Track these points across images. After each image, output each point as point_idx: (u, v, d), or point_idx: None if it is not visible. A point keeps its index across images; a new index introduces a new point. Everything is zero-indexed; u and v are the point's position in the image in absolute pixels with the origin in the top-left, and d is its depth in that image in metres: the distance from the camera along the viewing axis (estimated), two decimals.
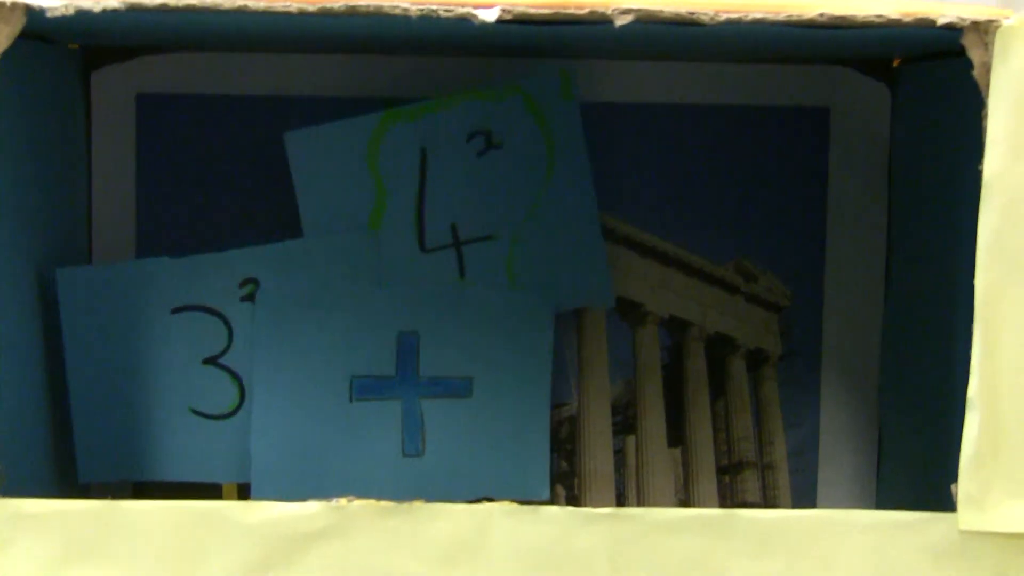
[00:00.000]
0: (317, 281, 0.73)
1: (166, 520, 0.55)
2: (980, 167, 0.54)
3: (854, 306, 0.80)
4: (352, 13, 0.53)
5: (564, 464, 0.80)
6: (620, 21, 0.53)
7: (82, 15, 0.53)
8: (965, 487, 0.55)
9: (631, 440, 0.81)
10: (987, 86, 0.53)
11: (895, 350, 0.78)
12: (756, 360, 0.81)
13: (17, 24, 0.54)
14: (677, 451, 0.81)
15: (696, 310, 0.81)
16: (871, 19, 0.53)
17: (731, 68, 0.78)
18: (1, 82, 0.59)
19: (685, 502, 0.81)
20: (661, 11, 0.53)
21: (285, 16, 0.54)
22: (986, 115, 0.53)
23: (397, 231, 0.75)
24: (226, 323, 0.73)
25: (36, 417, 0.68)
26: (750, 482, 0.81)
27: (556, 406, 0.80)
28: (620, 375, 0.80)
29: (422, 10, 0.53)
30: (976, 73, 0.53)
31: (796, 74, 0.78)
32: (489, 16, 0.53)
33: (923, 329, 0.73)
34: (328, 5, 0.53)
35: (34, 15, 0.53)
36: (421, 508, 0.55)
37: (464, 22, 0.53)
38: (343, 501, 0.55)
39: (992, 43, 0.53)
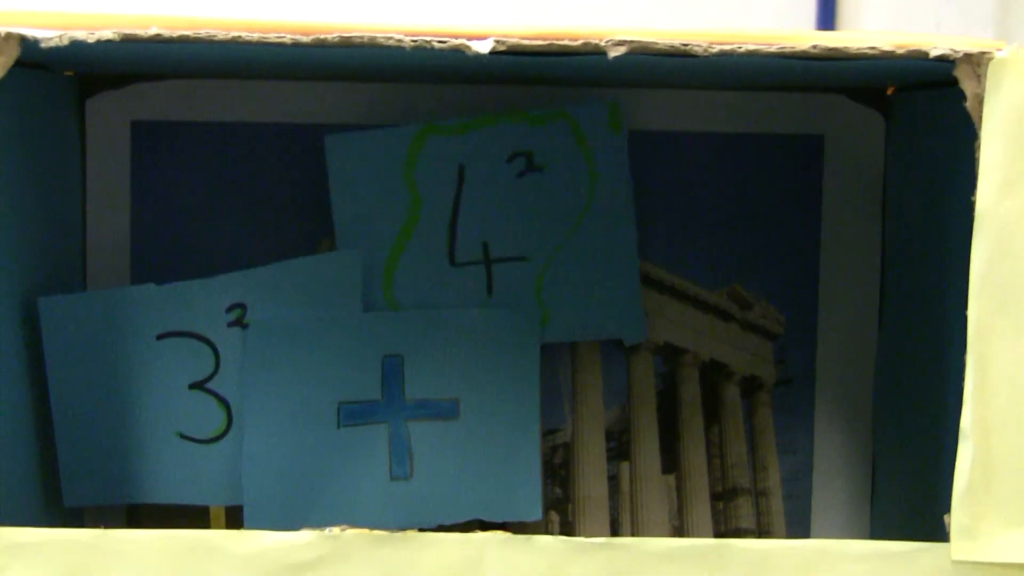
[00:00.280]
0: (305, 303, 0.73)
1: (160, 549, 0.55)
2: (973, 198, 0.54)
3: (848, 333, 0.80)
4: (346, 44, 0.53)
5: (558, 490, 0.80)
6: (614, 53, 0.53)
7: (76, 45, 0.53)
8: (958, 517, 0.55)
9: (625, 466, 0.81)
10: (980, 118, 0.53)
11: (889, 377, 0.78)
12: (750, 387, 0.81)
13: (12, 53, 0.54)
14: (671, 477, 0.81)
15: (690, 337, 0.81)
16: (864, 51, 0.53)
17: (725, 96, 0.78)
18: None
19: (679, 528, 0.81)
20: (655, 43, 0.53)
21: (279, 47, 0.54)
22: (979, 147, 0.53)
23: (428, 243, 0.75)
24: (213, 348, 0.73)
25: (26, 443, 0.68)
26: (744, 508, 0.81)
27: (550, 432, 0.80)
28: (614, 401, 0.80)
29: (416, 41, 0.53)
30: (969, 105, 0.53)
31: (790, 102, 0.78)
32: (483, 48, 0.53)
33: (917, 357, 0.73)
34: (322, 36, 0.53)
35: (29, 45, 0.53)
36: (415, 537, 0.55)
37: (458, 53, 0.53)
38: (337, 530, 0.55)
39: (985, 75, 0.53)
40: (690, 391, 0.81)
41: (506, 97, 0.77)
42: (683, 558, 0.55)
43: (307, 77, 0.77)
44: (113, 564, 0.55)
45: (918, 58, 0.53)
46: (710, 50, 0.53)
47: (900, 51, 0.53)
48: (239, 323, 0.73)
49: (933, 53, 0.53)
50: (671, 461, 0.81)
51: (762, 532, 0.81)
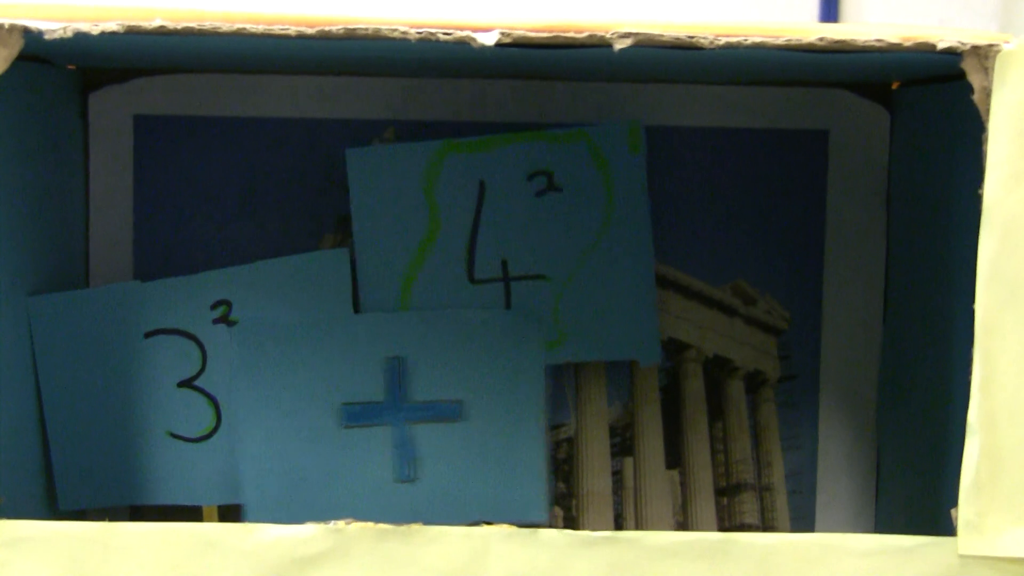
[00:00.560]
0: (291, 302, 0.73)
1: (162, 543, 0.55)
2: (980, 192, 0.53)
3: (853, 328, 0.80)
4: (350, 36, 0.53)
5: (562, 485, 0.80)
6: (619, 45, 0.53)
7: (80, 37, 0.53)
8: (965, 512, 0.55)
9: (629, 462, 0.80)
10: (987, 111, 0.53)
11: (893, 372, 0.78)
12: (754, 382, 0.81)
13: (15, 46, 0.53)
14: (675, 473, 0.81)
15: (694, 332, 0.80)
16: (871, 44, 0.53)
17: (729, 91, 0.78)
18: None
19: (683, 524, 0.81)
20: (661, 35, 0.53)
21: (284, 39, 0.53)
22: (986, 140, 0.53)
23: (447, 258, 0.75)
24: (199, 345, 0.73)
25: (28, 443, 0.68)
26: (748, 504, 0.81)
27: (554, 427, 0.80)
28: (618, 397, 0.80)
29: (421, 33, 0.53)
30: (976, 98, 0.53)
31: (795, 97, 0.78)
32: (488, 40, 0.53)
33: (921, 351, 0.73)
34: (326, 28, 0.53)
35: (32, 37, 0.53)
36: (419, 531, 0.55)
37: (463, 45, 0.53)
38: (341, 524, 0.55)
39: (992, 68, 0.53)
40: (694, 386, 0.81)
41: (521, 99, 0.77)
42: (687, 553, 0.55)
43: (311, 71, 0.77)
44: (115, 558, 0.55)
45: (925, 51, 0.53)
46: (716, 42, 0.53)
47: (907, 44, 0.53)
48: (224, 320, 0.73)
49: (940, 46, 0.53)
50: (675, 457, 0.81)
51: (766, 528, 0.81)
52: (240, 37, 0.53)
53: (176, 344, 0.73)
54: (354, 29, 0.53)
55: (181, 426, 0.73)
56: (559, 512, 0.80)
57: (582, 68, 0.71)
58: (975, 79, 0.53)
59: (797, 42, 0.53)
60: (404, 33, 0.53)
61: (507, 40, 0.53)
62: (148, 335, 0.73)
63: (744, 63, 0.64)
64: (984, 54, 0.53)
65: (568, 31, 0.53)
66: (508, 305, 0.76)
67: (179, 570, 0.55)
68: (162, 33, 0.53)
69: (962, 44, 0.53)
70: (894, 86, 0.78)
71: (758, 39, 0.53)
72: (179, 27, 0.53)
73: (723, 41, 0.53)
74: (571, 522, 0.80)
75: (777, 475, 0.80)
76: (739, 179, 0.79)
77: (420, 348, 0.74)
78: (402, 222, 0.75)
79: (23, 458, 0.67)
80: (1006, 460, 0.54)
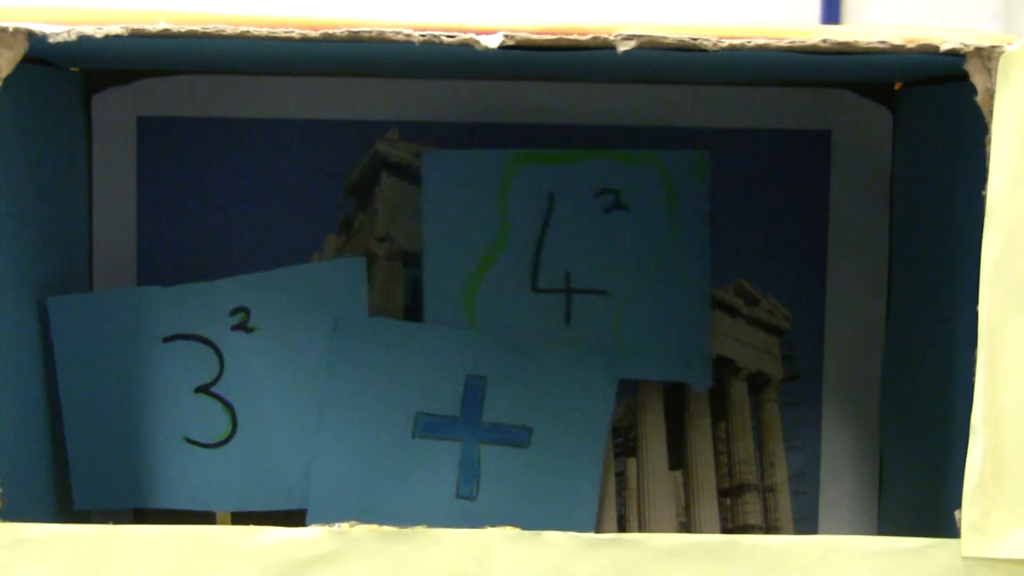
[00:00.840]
0: (309, 309, 0.73)
1: (167, 545, 0.55)
2: (983, 193, 0.53)
3: (855, 329, 0.80)
4: (354, 39, 0.53)
5: None
6: (623, 47, 0.53)
7: (84, 40, 0.53)
8: (968, 513, 0.55)
9: (632, 462, 0.80)
10: (990, 112, 0.53)
11: (896, 373, 0.78)
12: (757, 383, 0.81)
13: (20, 49, 0.54)
14: (678, 473, 0.81)
15: None
16: (874, 45, 0.53)
17: (732, 91, 0.78)
18: (3, 106, 0.59)
19: (686, 524, 0.81)
20: (664, 37, 0.53)
21: (287, 41, 0.54)
22: (989, 141, 0.53)
23: (512, 266, 0.76)
24: (217, 352, 0.73)
25: (37, 444, 0.68)
26: (751, 505, 0.81)
27: None
28: (621, 397, 0.80)
29: (424, 36, 0.53)
30: (979, 99, 0.53)
31: (797, 97, 0.78)
32: (492, 42, 0.53)
33: (924, 352, 0.73)
34: (330, 31, 0.53)
35: (36, 40, 0.53)
36: (423, 533, 0.55)
37: (467, 47, 0.53)
38: (345, 526, 0.55)
39: (995, 69, 0.53)
40: None
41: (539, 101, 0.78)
42: (691, 554, 0.55)
43: (315, 73, 0.77)
44: (120, 560, 0.55)
45: (928, 52, 0.53)
46: (719, 44, 0.53)
47: (910, 45, 0.53)
48: (242, 327, 0.73)
49: (944, 47, 0.53)
50: (678, 457, 0.81)
51: (769, 528, 0.81)
52: (244, 40, 0.53)
53: (194, 350, 0.73)
54: (358, 32, 0.53)
55: (197, 432, 0.73)
56: None
57: (585, 70, 0.71)
58: (978, 80, 0.53)
59: (801, 44, 0.53)
60: (408, 36, 0.53)
61: (510, 42, 0.53)
62: (166, 340, 0.73)
63: (747, 64, 0.64)
64: (987, 55, 0.53)
65: (571, 33, 0.53)
66: (568, 317, 0.77)
67: (183, 572, 0.55)
68: (166, 36, 0.53)
69: (965, 45, 0.53)
70: (897, 87, 0.78)
71: (761, 41, 0.53)
72: (183, 30, 0.53)
73: (726, 43, 0.53)
74: None
75: (780, 476, 0.80)
76: (741, 179, 0.79)
77: (501, 371, 0.75)
78: (473, 227, 0.76)
79: (31, 459, 0.67)
80: (1010, 462, 0.54)
